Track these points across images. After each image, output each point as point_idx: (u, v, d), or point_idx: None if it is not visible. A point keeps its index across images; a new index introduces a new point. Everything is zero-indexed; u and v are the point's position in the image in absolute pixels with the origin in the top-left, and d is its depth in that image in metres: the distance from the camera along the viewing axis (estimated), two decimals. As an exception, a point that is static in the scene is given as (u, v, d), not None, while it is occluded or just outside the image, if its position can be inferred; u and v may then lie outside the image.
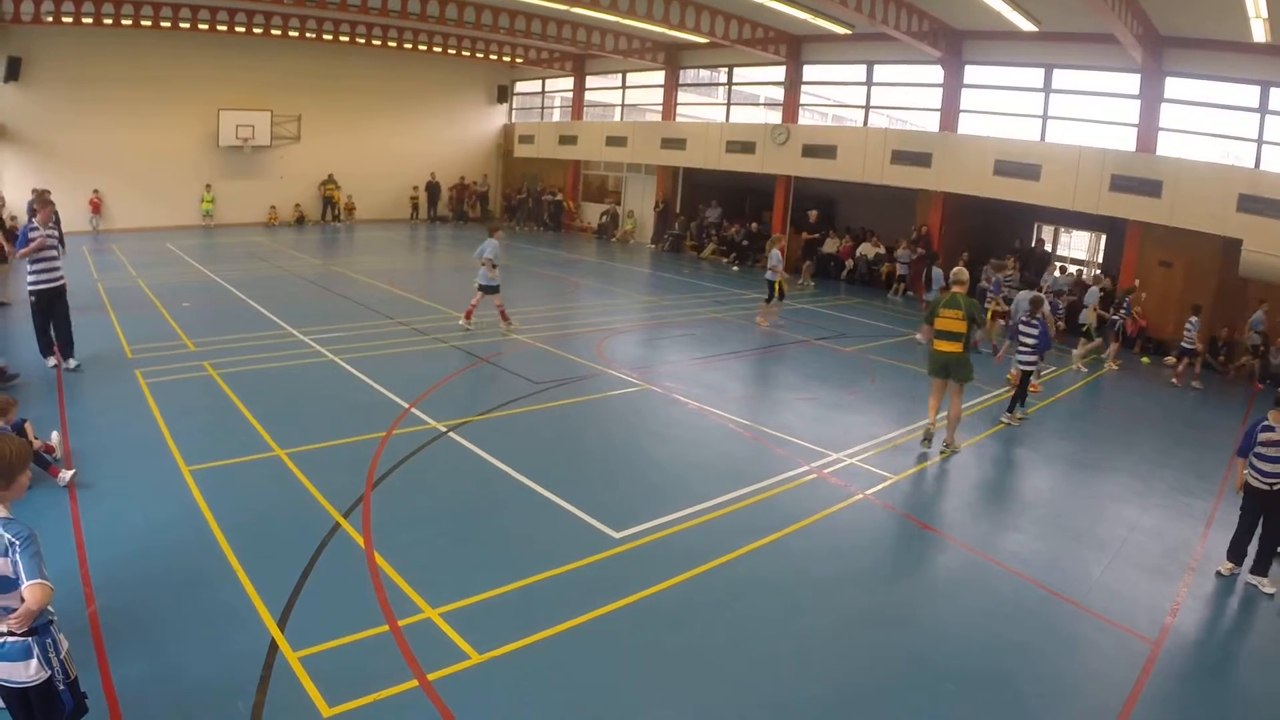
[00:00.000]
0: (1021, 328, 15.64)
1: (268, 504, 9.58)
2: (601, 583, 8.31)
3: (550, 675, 6.84)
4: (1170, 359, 21.34)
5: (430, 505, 9.93)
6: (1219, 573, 9.74)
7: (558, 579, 8.30)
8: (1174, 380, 20.16)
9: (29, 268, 13.97)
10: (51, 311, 14.21)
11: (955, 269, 13.96)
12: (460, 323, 19.43)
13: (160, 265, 25.59)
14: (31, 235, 13.80)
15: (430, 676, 6.57)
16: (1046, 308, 16.43)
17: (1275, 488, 9.43)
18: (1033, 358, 15.46)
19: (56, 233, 15.63)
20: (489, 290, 18.94)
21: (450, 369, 15.74)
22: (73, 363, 14.34)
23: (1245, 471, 9.69)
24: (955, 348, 12.94)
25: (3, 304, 19.21)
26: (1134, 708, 7.08)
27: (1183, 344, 19.96)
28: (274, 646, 6.78)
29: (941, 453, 13.23)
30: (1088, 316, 20.91)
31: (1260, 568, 9.56)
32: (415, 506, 9.83)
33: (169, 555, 8.26)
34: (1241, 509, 9.80)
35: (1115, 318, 21.76)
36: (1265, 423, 9.51)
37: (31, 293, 14.02)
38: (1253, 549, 9.68)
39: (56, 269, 14.20)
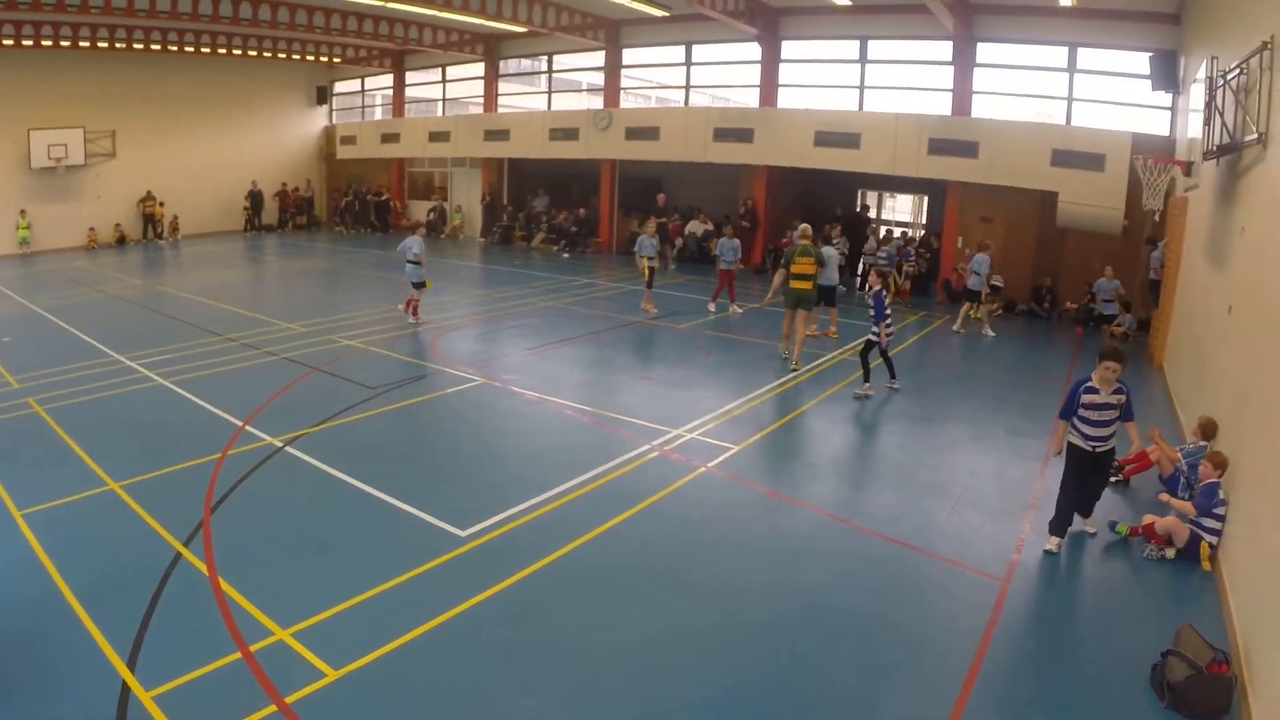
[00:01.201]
0: (866, 299, 15.99)
1: (106, 541, 9.32)
2: (452, 583, 8.37)
3: (410, 682, 6.89)
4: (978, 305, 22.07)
5: (272, 524, 9.82)
6: (1047, 550, 9.44)
7: (408, 584, 8.33)
8: (973, 315, 21.46)
9: None
10: None
11: (802, 225, 18.34)
12: (409, 320, 20.61)
13: (-26, 299, 24.62)
14: None
15: (288, 699, 6.55)
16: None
17: (1099, 450, 9.41)
18: (874, 328, 15.32)
19: None
20: (418, 285, 20.49)
21: (283, 382, 15.51)
22: None
23: (1066, 434, 9.58)
24: (807, 285, 17.03)
25: None
26: (989, 644, 7.53)
27: (968, 285, 20.87)
28: (126, 689, 6.66)
29: (793, 370, 16.85)
30: (982, 284, 21.17)
31: (1083, 509, 9.83)
32: (256, 527, 9.71)
33: (6, 606, 7.97)
34: (1064, 475, 9.67)
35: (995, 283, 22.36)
36: (1088, 384, 9.32)
37: None
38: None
39: None
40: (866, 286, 16.04)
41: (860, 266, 27.17)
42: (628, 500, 10.47)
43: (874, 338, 15.25)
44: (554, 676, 7.04)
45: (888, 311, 15.13)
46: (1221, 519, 9.40)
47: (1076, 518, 9.71)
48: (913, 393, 15.88)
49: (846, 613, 8.11)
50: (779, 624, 7.89)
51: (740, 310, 22.43)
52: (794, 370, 16.88)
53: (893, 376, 15.74)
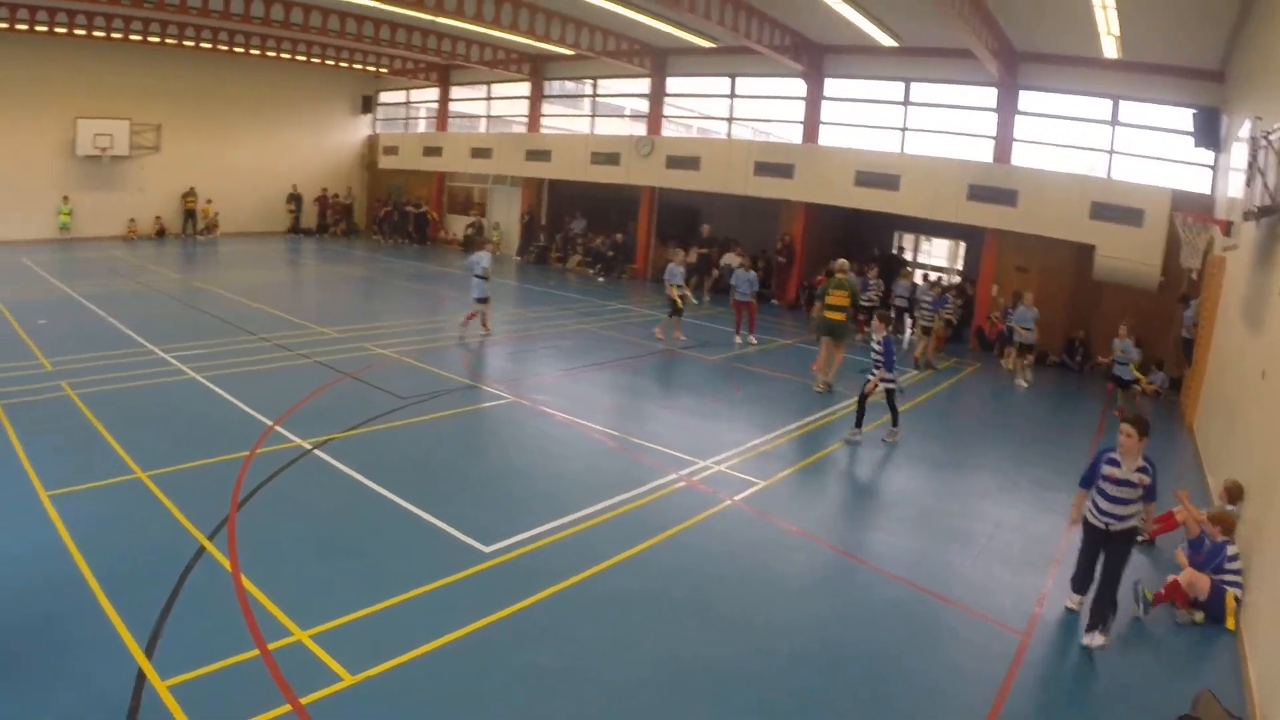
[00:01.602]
0: (873, 345, 15.37)
1: (131, 529, 9.38)
2: (473, 598, 8.34)
3: (424, 693, 6.86)
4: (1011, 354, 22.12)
5: (296, 525, 9.84)
6: (1067, 608, 9.18)
7: (429, 596, 8.32)
8: (1007, 365, 21.63)
9: None
10: None
11: (840, 260, 19.45)
12: (479, 332, 21.09)
13: (14, 280, 24.74)
14: None
15: (303, 700, 6.54)
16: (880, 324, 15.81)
17: (1112, 528, 8.66)
18: (888, 374, 14.94)
19: None
20: (481, 300, 20.70)
21: (314, 385, 15.55)
22: None
23: (1085, 506, 8.95)
24: (840, 316, 18.20)
25: None
26: (1007, 696, 7.44)
27: (1024, 341, 20.78)
28: (141, 676, 6.68)
29: (820, 390, 17.83)
30: (1028, 335, 20.94)
31: (1093, 622, 8.48)
32: (281, 527, 9.73)
33: (30, 585, 8.02)
34: (1081, 546, 9.13)
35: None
36: (1110, 454, 8.65)
37: None
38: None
39: None
40: (870, 330, 15.80)
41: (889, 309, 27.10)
42: (652, 528, 10.42)
43: (891, 384, 14.99)
44: (567, 701, 7.00)
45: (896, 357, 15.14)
46: (1237, 573, 9.39)
47: (1086, 634, 8.55)
48: (941, 438, 15.84)
49: (864, 655, 8.04)
50: (796, 662, 7.84)
51: (755, 342, 22.42)
52: (819, 391, 17.83)
53: (858, 425, 14.94)
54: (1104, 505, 8.69)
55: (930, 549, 10.67)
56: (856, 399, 15.24)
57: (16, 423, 12.38)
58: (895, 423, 15.17)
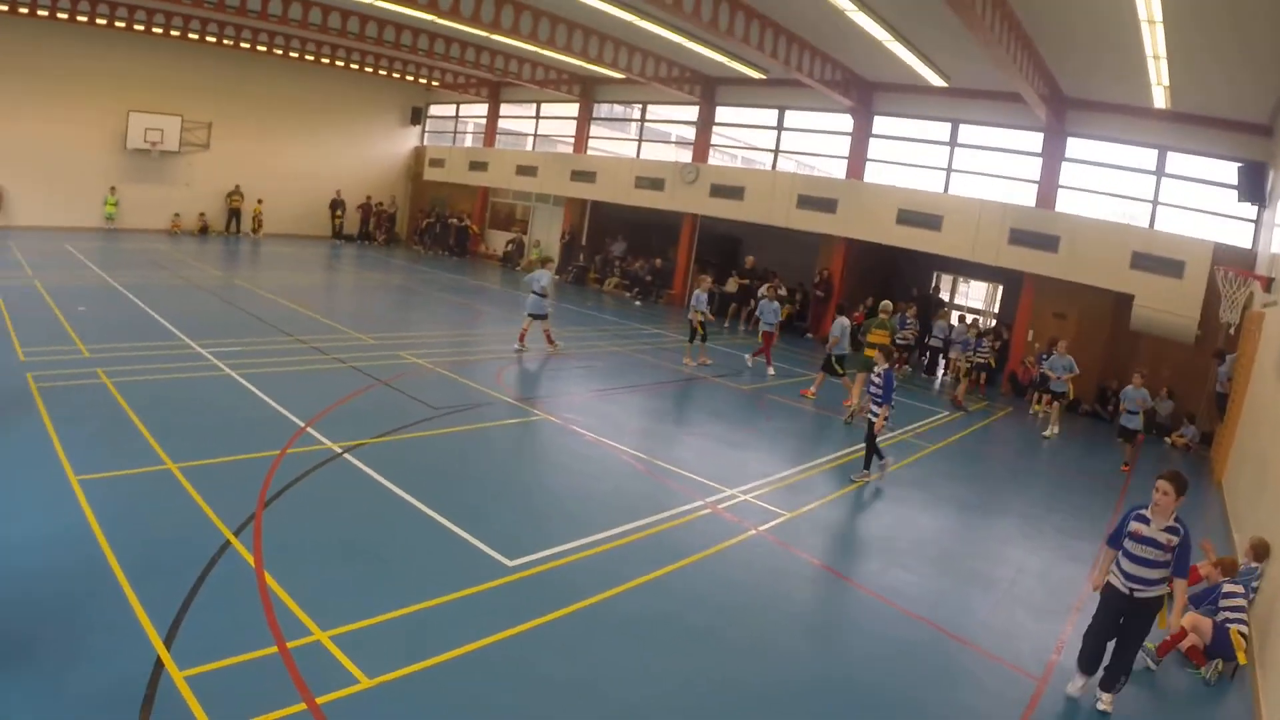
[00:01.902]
0: (871, 377, 14.96)
1: (157, 518, 9.42)
2: (493, 611, 8.32)
3: (439, 702, 6.84)
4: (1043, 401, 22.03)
5: (322, 526, 9.84)
6: (1068, 695, 8.33)
7: (449, 605, 8.30)
8: (1038, 412, 21.71)
9: None
10: None
11: (884, 302, 20.96)
12: (514, 346, 21.21)
13: (58, 266, 25.02)
14: None
15: (319, 700, 6.53)
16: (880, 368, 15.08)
17: (1137, 594, 7.95)
18: (877, 409, 14.41)
19: None
20: (538, 316, 21.25)
21: (348, 389, 15.60)
22: None
23: (1111, 569, 8.21)
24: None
25: None
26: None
27: (1053, 388, 20.63)
28: (159, 665, 6.68)
29: (848, 421, 18.20)
30: (1060, 384, 20.44)
31: (1107, 683, 8.19)
32: (307, 527, 9.74)
33: (53, 567, 8.07)
34: (1097, 612, 8.38)
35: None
36: (1139, 511, 7.95)
37: None
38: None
39: None
40: (874, 367, 15.46)
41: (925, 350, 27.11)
42: (674, 553, 10.38)
43: (873, 417, 14.34)
44: (579, 717, 6.97)
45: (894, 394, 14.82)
46: (1238, 609, 9.47)
47: (1076, 673, 8.42)
48: (968, 481, 15.75)
49: (879, 692, 7.95)
50: (811, 695, 7.78)
51: (773, 372, 22.30)
52: (847, 423, 18.21)
53: (866, 467, 14.50)
54: (1127, 566, 7.99)
55: (951, 590, 10.59)
56: (864, 441, 14.72)
57: (51, 407, 12.48)
58: (868, 464, 14.54)
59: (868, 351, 18.33)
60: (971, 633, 9.32)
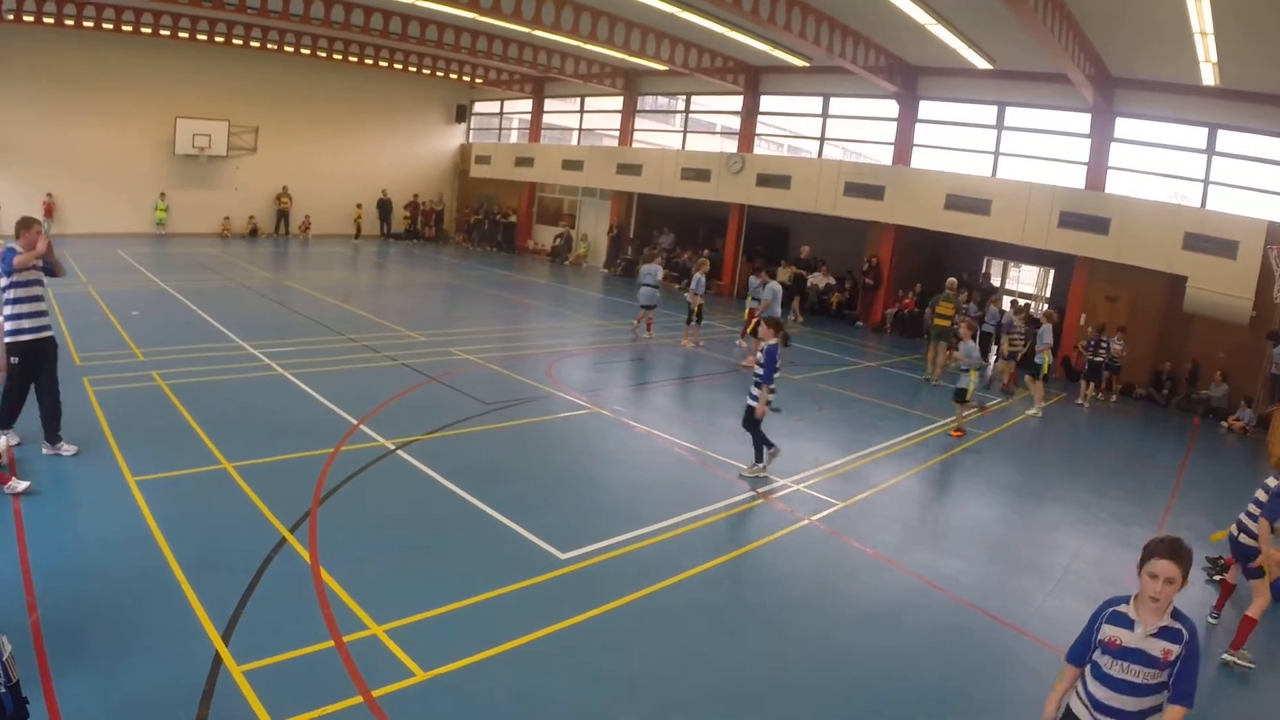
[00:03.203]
0: (756, 355, 13.40)
1: (214, 516, 9.53)
2: (547, 603, 8.34)
3: (494, 694, 6.86)
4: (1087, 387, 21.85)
5: (377, 522, 9.92)
6: None
7: (503, 598, 8.33)
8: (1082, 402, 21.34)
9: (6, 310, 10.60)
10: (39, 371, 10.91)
11: (949, 279, 22.43)
12: (643, 335, 23.22)
13: (111, 272, 25.36)
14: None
15: (375, 693, 6.58)
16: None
17: None
18: (754, 391, 12.86)
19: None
20: (648, 307, 22.98)
21: (399, 387, 15.70)
22: (68, 449, 10.91)
23: (1071, 693, 5.33)
24: (945, 324, 21.09)
25: None
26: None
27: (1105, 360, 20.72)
28: (218, 660, 6.77)
29: (934, 383, 21.02)
30: (1044, 357, 19.82)
31: None
32: (362, 523, 9.81)
33: (113, 565, 8.20)
34: None
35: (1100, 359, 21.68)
36: (1117, 608, 5.04)
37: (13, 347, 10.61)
38: None
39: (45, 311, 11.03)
40: (757, 337, 13.89)
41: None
42: (726, 544, 10.41)
43: (753, 402, 12.73)
44: (631, 708, 6.98)
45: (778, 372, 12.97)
46: None
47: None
48: (1021, 467, 15.62)
49: (933, 683, 7.87)
50: (862, 685, 7.73)
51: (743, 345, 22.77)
52: (927, 380, 21.48)
53: (758, 460, 13.03)
54: (1098, 692, 5.06)
55: (1005, 578, 10.48)
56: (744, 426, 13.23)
57: (108, 409, 12.68)
58: (759, 456, 13.06)
59: (937, 321, 21.36)
60: (1025, 620, 9.21)
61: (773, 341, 12.67)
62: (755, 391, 12.73)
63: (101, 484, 10.11)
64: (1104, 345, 21.36)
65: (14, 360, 10.50)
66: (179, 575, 8.01)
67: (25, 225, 10.60)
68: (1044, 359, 19.70)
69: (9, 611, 6.97)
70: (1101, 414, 20.70)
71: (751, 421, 12.86)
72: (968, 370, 16.61)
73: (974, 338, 15.04)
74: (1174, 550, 4.83)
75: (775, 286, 21.50)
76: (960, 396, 16.75)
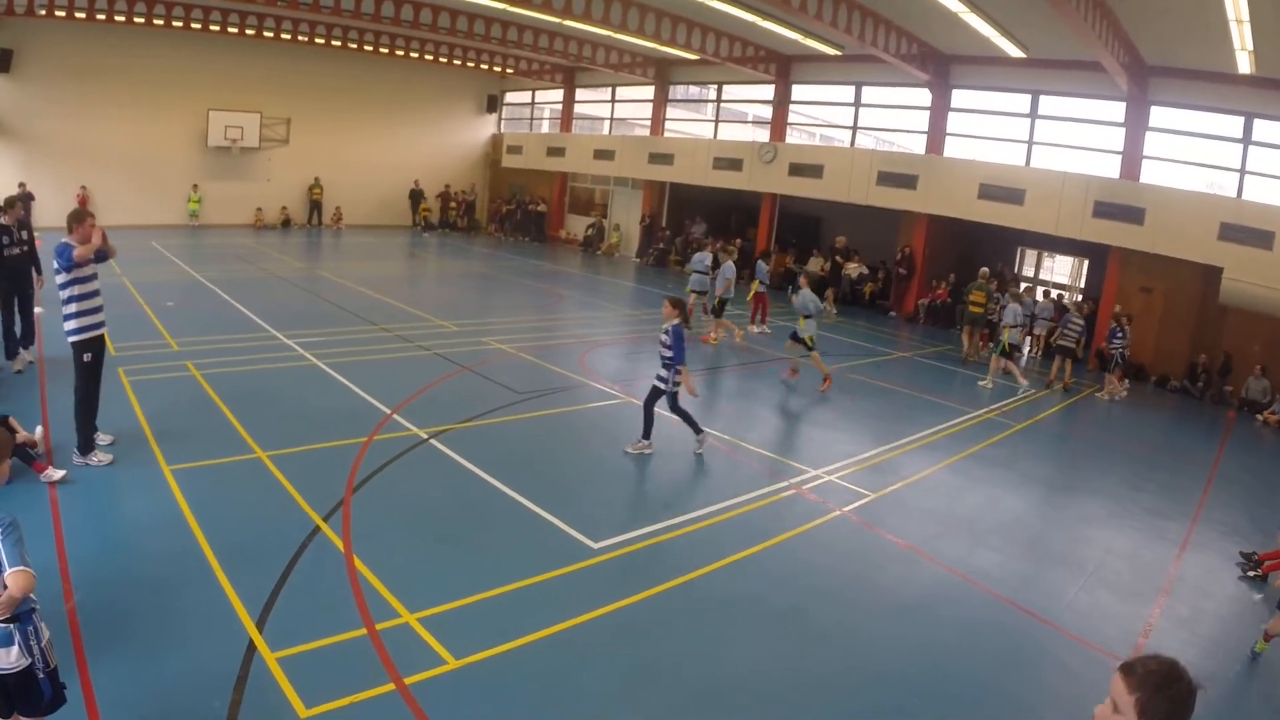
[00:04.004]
0: (660, 336, 13.01)
1: (248, 505, 9.61)
2: (579, 592, 8.36)
3: (526, 683, 6.87)
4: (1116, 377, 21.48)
5: (410, 511, 9.95)
6: None
7: (535, 587, 8.35)
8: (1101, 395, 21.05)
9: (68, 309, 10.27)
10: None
11: (982, 269, 24.38)
12: (704, 319, 23.12)
13: (145, 263, 25.51)
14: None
15: (407, 680, 6.61)
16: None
17: None
18: (662, 374, 12.78)
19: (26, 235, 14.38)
20: (700, 293, 23.25)
21: (432, 376, 15.74)
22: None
23: None
24: (979, 310, 23.34)
25: None
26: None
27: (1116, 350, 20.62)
28: (251, 647, 6.82)
29: (971, 361, 22.95)
30: (1005, 334, 20.30)
31: None
32: (395, 512, 9.85)
33: (148, 553, 8.28)
34: None
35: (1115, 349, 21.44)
36: None
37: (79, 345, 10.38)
38: None
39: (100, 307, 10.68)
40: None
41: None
42: (758, 535, 10.34)
43: (661, 385, 12.72)
44: (661, 697, 6.98)
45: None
46: None
47: None
48: (1054, 460, 15.53)
49: (964, 677, 7.82)
50: (893, 678, 7.68)
51: (757, 331, 23.80)
52: (965, 360, 23.24)
53: (698, 431, 12.95)
54: None
55: (1037, 571, 10.39)
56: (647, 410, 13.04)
57: (143, 399, 12.78)
58: (698, 431, 13.01)
59: (971, 308, 23.31)
60: (1057, 615, 9.13)
61: (676, 321, 12.62)
62: (663, 374, 12.70)
63: (137, 473, 10.18)
64: (1119, 334, 21.10)
65: (87, 358, 10.31)
66: (213, 563, 8.08)
67: (78, 219, 10.15)
68: (1005, 336, 20.35)
69: (46, 599, 6.99)
70: (1135, 407, 20.51)
71: (674, 406, 12.82)
72: (809, 318, 18.07)
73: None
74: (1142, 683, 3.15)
75: (731, 266, 22.24)
76: (795, 336, 18.22)
